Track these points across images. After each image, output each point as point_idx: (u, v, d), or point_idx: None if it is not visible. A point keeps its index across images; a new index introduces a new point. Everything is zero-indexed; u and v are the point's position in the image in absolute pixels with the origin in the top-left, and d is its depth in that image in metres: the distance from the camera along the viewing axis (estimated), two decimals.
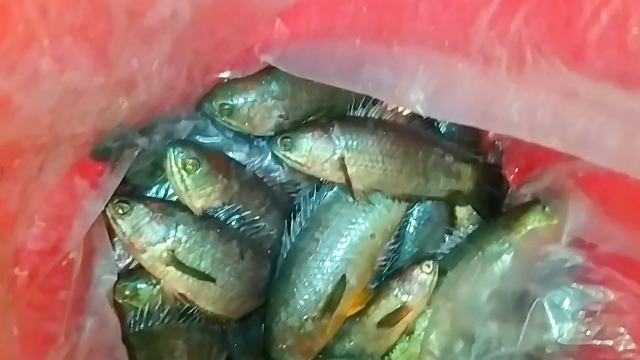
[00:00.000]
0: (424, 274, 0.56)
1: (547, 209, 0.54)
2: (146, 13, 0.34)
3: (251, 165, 0.54)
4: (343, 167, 0.53)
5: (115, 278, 0.47)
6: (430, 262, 0.56)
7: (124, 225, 0.47)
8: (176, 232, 0.48)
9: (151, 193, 0.53)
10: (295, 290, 0.55)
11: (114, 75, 0.35)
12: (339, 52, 0.44)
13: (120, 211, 0.47)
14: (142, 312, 0.49)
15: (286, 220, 0.57)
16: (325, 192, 0.57)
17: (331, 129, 0.54)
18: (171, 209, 0.49)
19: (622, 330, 0.41)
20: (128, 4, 0.33)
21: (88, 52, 0.32)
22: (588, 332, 0.43)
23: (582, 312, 0.44)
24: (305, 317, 0.55)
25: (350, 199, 0.55)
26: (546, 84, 0.32)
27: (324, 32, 0.44)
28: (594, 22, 0.28)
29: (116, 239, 0.50)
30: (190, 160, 0.48)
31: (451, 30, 0.36)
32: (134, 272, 0.51)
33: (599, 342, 0.42)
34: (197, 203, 0.50)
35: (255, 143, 0.56)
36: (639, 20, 0.27)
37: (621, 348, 0.41)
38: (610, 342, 0.42)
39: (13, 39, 0.29)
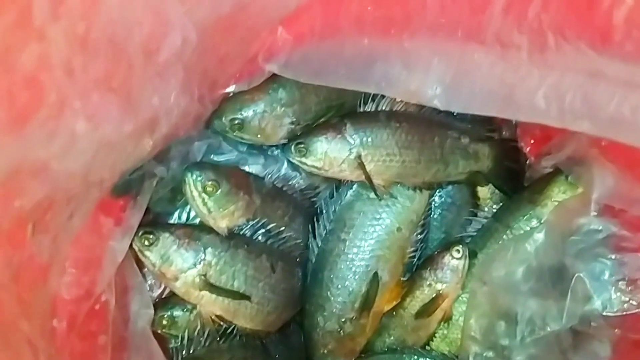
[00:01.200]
0: (455, 260, 0.56)
1: (570, 178, 0.53)
2: (160, 48, 0.34)
3: (269, 175, 0.54)
4: (361, 165, 0.53)
5: (152, 311, 0.47)
6: (460, 247, 0.56)
7: (152, 257, 0.47)
8: (205, 255, 0.48)
9: (174, 219, 0.53)
10: (329, 293, 0.55)
11: (139, 118, 0.35)
12: (346, 53, 0.43)
13: (147, 243, 0.46)
14: (182, 339, 0.49)
15: (310, 225, 0.56)
16: (346, 192, 0.56)
17: (344, 128, 0.53)
18: (197, 233, 0.49)
19: None
20: (142, 43, 0.32)
21: (115, 102, 0.32)
22: (632, 301, 0.43)
23: (623, 282, 0.44)
24: (342, 319, 0.55)
25: (373, 195, 0.54)
26: (572, 67, 0.31)
27: (329, 33, 0.43)
28: (620, 3, 0.27)
29: (146, 269, 0.49)
30: (210, 182, 0.47)
31: (463, 18, 0.35)
32: (169, 301, 0.51)
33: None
34: (222, 223, 0.49)
35: (269, 153, 0.56)
36: None
37: None
38: None
39: (48, 109, 0.28)
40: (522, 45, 0.32)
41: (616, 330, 0.43)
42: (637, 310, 0.43)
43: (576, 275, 0.44)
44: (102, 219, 0.42)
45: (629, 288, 0.43)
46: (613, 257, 0.44)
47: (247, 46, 0.47)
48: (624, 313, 0.43)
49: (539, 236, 0.49)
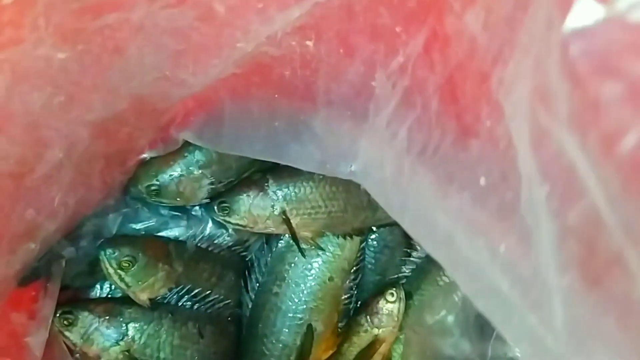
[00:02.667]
0: (390, 304, 0.56)
1: None
2: (34, 167, 0.32)
3: (192, 237, 0.53)
4: (286, 221, 0.52)
5: None
6: (394, 290, 0.56)
7: (72, 337, 0.46)
8: (127, 331, 0.47)
9: (95, 291, 0.52)
10: (264, 348, 0.55)
11: (9, 238, 0.34)
12: (260, 132, 0.42)
13: (66, 323, 0.46)
14: None
15: (242, 280, 0.56)
16: (276, 243, 0.56)
17: (266, 184, 0.53)
18: (118, 307, 0.48)
19: None
20: (10, 171, 0.31)
21: None
22: None
23: None
24: None
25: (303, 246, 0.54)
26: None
27: (240, 114, 0.43)
28: None
29: None
30: (125, 259, 0.47)
31: (362, 116, 0.35)
32: None
33: None
34: (143, 296, 0.48)
35: (192, 213, 0.55)
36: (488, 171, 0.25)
37: None
38: None
39: None
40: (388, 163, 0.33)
41: None
42: None
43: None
44: (14, 317, 0.41)
45: None
46: None
47: (158, 118, 0.46)
48: None
49: None
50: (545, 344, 0.24)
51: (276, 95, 0.40)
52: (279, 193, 0.53)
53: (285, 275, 0.55)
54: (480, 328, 0.49)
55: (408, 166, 0.31)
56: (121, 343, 0.47)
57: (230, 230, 0.55)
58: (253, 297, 0.56)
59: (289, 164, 0.46)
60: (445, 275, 0.55)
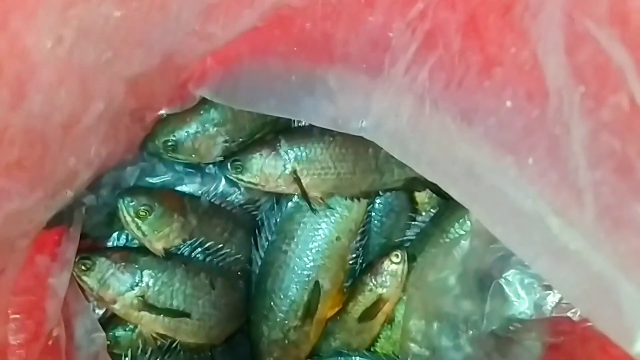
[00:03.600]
0: (394, 265, 0.58)
1: None
2: (80, 120, 0.34)
3: (206, 194, 0.55)
4: (297, 180, 0.54)
5: (104, 334, 0.48)
6: (398, 252, 0.58)
7: (90, 281, 0.48)
8: (142, 277, 0.49)
9: (113, 241, 0.54)
10: (272, 304, 0.57)
11: (52, 182, 0.35)
12: (276, 87, 0.44)
13: (84, 268, 0.48)
14: (125, 357, 0.51)
15: (252, 238, 0.58)
16: (286, 204, 0.58)
17: (278, 144, 0.54)
18: (134, 255, 0.50)
19: None
20: (62, 121, 0.33)
21: (24, 179, 0.32)
22: (545, 307, 0.45)
23: (538, 288, 0.46)
24: (287, 328, 0.57)
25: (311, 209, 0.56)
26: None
27: (258, 69, 0.44)
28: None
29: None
30: (142, 208, 0.48)
31: (376, 70, 0.37)
32: (111, 321, 0.52)
33: (556, 315, 0.45)
34: (158, 245, 0.50)
35: (207, 170, 0.57)
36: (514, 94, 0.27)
37: (577, 318, 0.44)
38: (566, 314, 0.44)
39: None
40: (409, 105, 0.34)
41: (533, 333, 0.46)
42: (550, 315, 0.45)
43: (495, 281, 0.47)
44: (38, 259, 0.43)
45: (544, 294, 0.45)
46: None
47: (177, 75, 0.47)
48: (539, 317, 0.45)
49: (465, 243, 0.51)
50: (569, 251, 0.25)
51: (295, 49, 0.42)
52: (290, 153, 0.54)
53: (294, 234, 0.57)
54: (479, 286, 0.51)
55: (429, 106, 0.32)
56: (136, 289, 0.49)
57: (242, 188, 0.57)
58: (262, 254, 0.57)
59: (302, 119, 0.48)
60: (447, 238, 0.58)
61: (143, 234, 0.49)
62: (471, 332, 0.48)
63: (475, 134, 0.30)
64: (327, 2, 0.37)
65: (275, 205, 0.58)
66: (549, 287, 0.45)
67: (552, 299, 0.45)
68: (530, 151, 0.27)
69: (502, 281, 0.47)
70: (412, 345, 0.56)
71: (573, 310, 0.43)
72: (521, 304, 0.46)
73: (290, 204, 0.58)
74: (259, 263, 0.58)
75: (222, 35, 0.40)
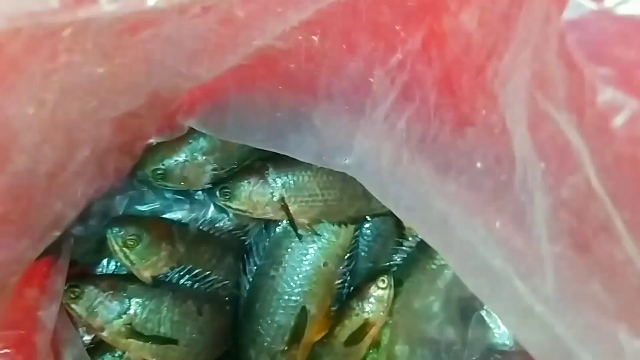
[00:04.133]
0: (380, 290, 0.59)
1: None
2: (66, 166, 0.35)
3: (195, 220, 0.56)
4: (284, 207, 0.55)
5: None
6: (385, 277, 0.59)
7: (78, 309, 0.49)
8: (130, 305, 0.50)
9: (102, 268, 0.55)
10: (260, 328, 0.58)
11: (39, 228, 0.36)
12: (262, 121, 0.45)
13: (72, 296, 0.48)
14: None
15: (241, 262, 0.59)
16: (274, 228, 0.59)
17: (266, 172, 0.55)
18: (122, 283, 0.51)
19: None
20: (48, 171, 0.33)
21: (10, 232, 0.33)
22: None
23: None
24: (274, 352, 0.58)
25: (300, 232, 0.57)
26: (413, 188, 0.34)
27: (244, 104, 0.45)
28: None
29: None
30: (130, 237, 0.49)
31: (359, 112, 0.38)
32: (99, 347, 0.53)
33: None
34: (146, 273, 0.51)
35: (195, 197, 0.57)
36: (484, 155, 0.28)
37: None
38: None
39: None
40: (387, 153, 0.35)
41: None
42: None
43: (476, 312, 0.47)
44: (27, 292, 0.43)
45: None
46: None
47: (165, 107, 0.48)
48: (521, 350, 0.46)
49: (449, 272, 0.51)
50: (533, 312, 0.26)
51: (280, 87, 0.43)
52: (278, 181, 0.55)
53: (282, 259, 0.58)
54: (462, 316, 0.52)
55: (407, 155, 0.33)
56: (123, 317, 0.50)
57: (230, 214, 0.58)
58: (250, 279, 0.58)
59: (288, 154, 0.49)
60: (433, 264, 0.58)
61: (131, 262, 0.50)
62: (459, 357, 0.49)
63: (449, 190, 0.30)
64: (311, 45, 0.38)
65: (263, 231, 0.59)
66: None
67: None
68: (497, 214, 0.28)
69: (483, 313, 0.48)
70: None
71: None
72: (501, 336, 0.47)
73: (278, 229, 0.59)
74: (247, 287, 0.58)
75: (207, 75, 0.40)
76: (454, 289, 0.52)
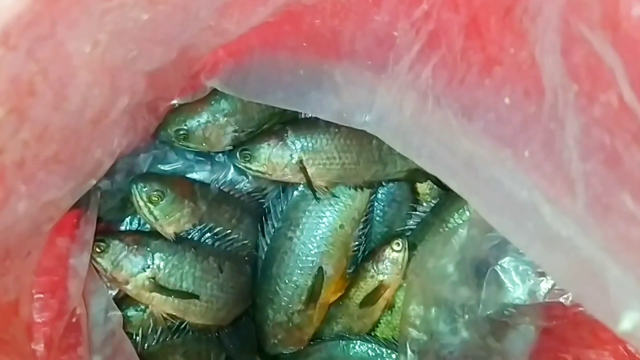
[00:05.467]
0: (395, 253, 0.60)
1: None
2: (108, 114, 0.36)
3: (215, 181, 0.57)
4: (303, 170, 0.56)
5: (119, 313, 0.50)
6: (400, 240, 0.60)
7: (103, 263, 0.50)
8: (154, 260, 0.51)
9: (126, 225, 0.56)
10: (277, 288, 0.59)
11: (83, 173, 0.38)
12: (283, 79, 0.46)
13: (98, 250, 0.50)
14: (136, 337, 0.53)
15: (259, 225, 0.60)
16: (292, 192, 0.60)
17: (286, 135, 0.56)
18: (145, 239, 0.52)
19: None
20: (93, 116, 0.35)
21: (60, 172, 0.35)
22: (539, 292, 0.47)
23: (532, 275, 0.48)
24: (291, 311, 0.60)
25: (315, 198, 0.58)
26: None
27: (267, 62, 0.46)
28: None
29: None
30: (154, 193, 0.51)
31: (381, 67, 0.39)
32: (123, 301, 0.54)
33: (548, 300, 0.47)
34: (169, 230, 0.53)
35: (216, 159, 0.59)
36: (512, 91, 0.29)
37: (568, 303, 0.46)
38: (558, 299, 0.46)
39: None
40: (412, 101, 0.36)
41: (527, 318, 0.48)
42: (543, 301, 0.47)
43: (490, 268, 0.49)
44: (59, 241, 0.45)
45: (537, 281, 0.48)
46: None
47: (190, 67, 0.49)
48: (533, 303, 0.47)
49: (463, 232, 0.53)
50: (560, 238, 0.28)
51: (304, 44, 0.44)
52: (297, 143, 0.56)
53: (300, 221, 0.59)
54: (476, 273, 0.53)
55: (432, 101, 0.34)
56: (147, 270, 0.51)
57: (250, 177, 0.59)
58: (269, 241, 0.60)
59: (308, 112, 0.50)
60: (447, 227, 0.60)
61: (155, 218, 0.52)
62: (467, 316, 0.50)
63: (475, 129, 0.32)
64: (336, 0, 0.39)
65: (281, 194, 0.60)
66: (542, 274, 0.47)
67: (545, 285, 0.47)
68: (526, 144, 0.29)
69: (497, 268, 0.49)
70: (411, 330, 0.58)
71: (565, 296, 0.46)
72: (516, 290, 0.48)
73: (296, 192, 0.60)
74: (265, 249, 0.60)
75: (235, 30, 0.41)
76: (468, 249, 0.53)
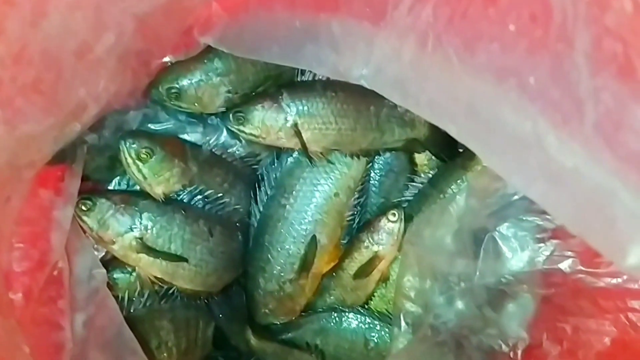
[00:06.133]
0: (391, 223, 0.58)
1: None
2: (93, 48, 0.35)
3: (207, 144, 0.55)
4: (297, 133, 0.55)
5: (104, 270, 0.48)
6: (396, 211, 0.58)
7: (89, 221, 0.49)
8: (141, 220, 0.50)
9: (114, 185, 0.55)
10: (269, 256, 0.58)
11: (64, 110, 0.36)
12: (279, 32, 0.44)
13: (84, 208, 0.48)
14: (122, 299, 0.52)
15: (252, 191, 0.59)
16: (286, 159, 0.59)
17: (281, 97, 0.55)
18: (134, 198, 0.51)
19: (567, 253, 0.44)
20: (76, 48, 0.33)
21: (39, 103, 0.33)
22: (538, 259, 0.46)
23: (530, 241, 0.46)
24: (282, 280, 0.58)
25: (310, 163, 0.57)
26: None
27: (263, 14, 0.45)
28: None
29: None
30: (144, 150, 0.49)
31: (379, 15, 0.37)
32: (109, 263, 0.53)
33: (547, 267, 0.45)
34: (158, 189, 0.51)
35: (209, 121, 0.57)
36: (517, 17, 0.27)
37: (568, 270, 0.44)
38: (557, 266, 0.45)
39: None
40: (412, 43, 0.34)
41: (525, 286, 0.46)
42: (542, 267, 0.46)
43: (488, 234, 0.47)
44: (42, 192, 0.43)
45: (536, 247, 0.46)
46: (522, 218, 0.47)
47: (183, 20, 0.48)
48: (531, 270, 0.46)
49: (461, 200, 0.51)
50: (565, 170, 0.26)
51: None
52: (292, 106, 0.55)
53: (294, 189, 0.58)
54: (474, 242, 0.51)
55: (432, 40, 0.33)
56: (135, 230, 0.50)
57: (243, 141, 0.58)
58: (261, 208, 0.58)
59: (303, 67, 0.48)
60: (444, 197, 0.58)
61: (143, 176, 0.50)
62: (463, 284, 0.49)
63: (478, 63, 0.30)
64: None
65: (275, 160, 0.59)
66: (541, 240, 0.46)
67: (544, 251, 0.46)
68: (532, 71, 0.27)
69: (496, 235, 0.47)
70: (405, 302, 0.57)
71: (565, 263, 0.44)
72: (514, 257, 0.47)
73: (290, 159, 0.58)
74: (258, 216, 0.58)
75: None
76: (466, 219, 0.51)
